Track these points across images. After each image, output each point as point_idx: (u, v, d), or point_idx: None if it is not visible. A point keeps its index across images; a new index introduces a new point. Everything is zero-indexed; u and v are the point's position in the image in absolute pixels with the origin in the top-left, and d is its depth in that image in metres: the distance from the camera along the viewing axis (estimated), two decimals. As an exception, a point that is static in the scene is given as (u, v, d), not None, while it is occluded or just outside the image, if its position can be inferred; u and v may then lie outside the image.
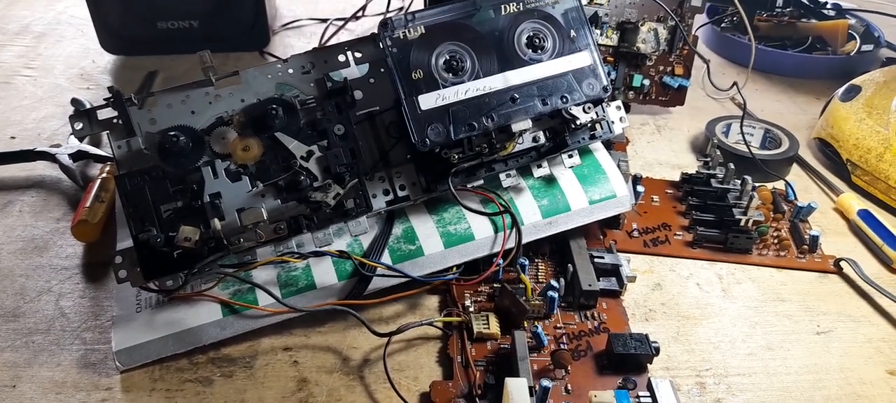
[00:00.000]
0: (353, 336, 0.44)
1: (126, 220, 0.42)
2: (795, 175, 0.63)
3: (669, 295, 0.48)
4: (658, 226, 0.54)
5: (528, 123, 0.45)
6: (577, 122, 0.46)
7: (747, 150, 0.60)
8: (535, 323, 0.45)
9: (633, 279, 0.47)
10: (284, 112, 0.44)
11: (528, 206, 0.48)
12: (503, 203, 0.47)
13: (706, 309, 0.47)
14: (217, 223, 0.42)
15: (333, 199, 0.43)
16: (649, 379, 0.39)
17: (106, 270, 0.49)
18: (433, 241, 0.46)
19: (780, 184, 0.60)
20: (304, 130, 0.45)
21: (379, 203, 0.46)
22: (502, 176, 0.47)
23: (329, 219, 0.45)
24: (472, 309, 0.45)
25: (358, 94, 0.46)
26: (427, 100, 0.44)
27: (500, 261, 0.46)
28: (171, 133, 0.43)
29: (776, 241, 0.52)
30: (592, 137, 0.48)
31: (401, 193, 0.46)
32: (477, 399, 0.39)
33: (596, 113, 0.47)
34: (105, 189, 0.54)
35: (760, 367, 0.43)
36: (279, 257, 0.44)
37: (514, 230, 0.47)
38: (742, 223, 0.50)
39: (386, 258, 0.45)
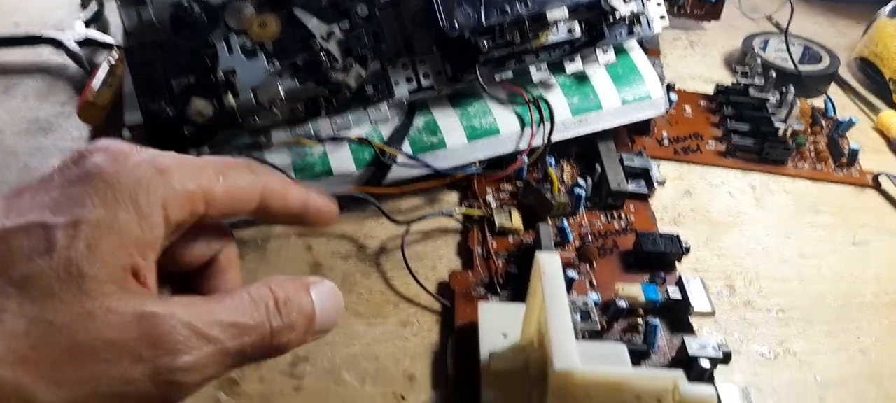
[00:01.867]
0: (370, 226, 0.42)
1: (135, 94, 0.40)
2: (835, 94, 0.60)
3: (700, 202, 0.46)
4: (689, 135, 0.51)
5: (564, 12, 0.42)
6: (617, 15, 0.43)
7: (790, 63, 0.57)
8: (560, 219, 0.43)
9: (662, 183, 0.45)
10: (304, -14, 0.42)
11: (557, 103, 0.45)
12: (532, 97, 0.45)
13: (738, 217, 0.45)
14: (231, 99, 0.40)
15: (355, 81, 0.41)
16: (679, 276, 0.38)
17: (115, 156, 0.47)
18: (456, 134, 0.44)
19: (818, 102, 0.57)
20: (325, 9, 0.42)
21: (401, 91, 0.44)
22: (532, 69, 0.44)
23: (348, 104, 0.42)
24: (493, 205, 0.44)
25: (381, -24, 0.43)
26: (456, -21, 0.41)
27: (526, 158, 0.44)
28: (185, 3, 0.40)
29: (813, 154, 0.50)
30: (631, 33, 0.46)
31: (425, 82, 0.44)
32: (498, 289, 0.38)
33: (636, 5, 0.44)
34: (113, 74, 0.52)
35: (793, 273, 0.41)
36: (295, 139, 0.42)
37: (542, 126, 0.45)
38: (780, 131, 0.48)
39: (406, 148, 0.43)
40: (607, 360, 0.31)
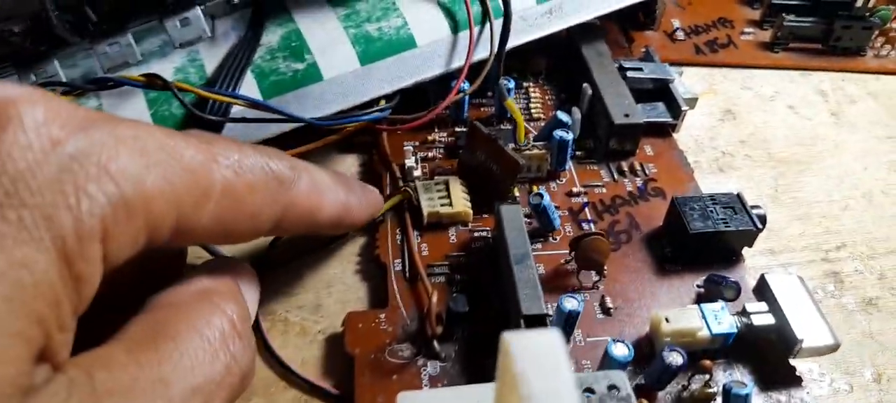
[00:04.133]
0: (197, 239, 0.23)
1: None
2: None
3: (750, 128, 0.29)
4: (714, 22, 0.33)
5: None
6: None
7: None
8: (534, 187, 0.25)
9: (693, 102, 0.28)
10: None
11: (509, -18, 0.26)
12: (465, -26, 0.25)
13: (814, 145, 0.28)
14: None
15: (114, -36, 0.21)
16: (762, 276, 0.21)
17: None
18: (340, 54, 0.25)
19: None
20: None
21: (227, -18, 0.24)
22: (461, -79, 0.25)
23: (120, 14, 0.22)
24: (417, 174, 0.25)
25: None
26: None
27: (465, 84, 0.26)
28: None
29: (901, 34, 0.33)
30: None
31: (268, -41, 0.24)
32: (436, 347, 0.20)
33: None
34: None
35: (925, 236, 0.25)
36: (26, 95, 0.22)
37: (487, 23, 0.26)
38: (859, 2, 0.30)
39: (250, 87, 0.24)
40: None
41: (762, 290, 0.21)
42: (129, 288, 0.14)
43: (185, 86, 0.22)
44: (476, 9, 0.26)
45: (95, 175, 0.11)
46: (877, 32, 0.32)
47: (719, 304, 0.20)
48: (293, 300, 0.22)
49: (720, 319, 0.20)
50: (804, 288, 0.20)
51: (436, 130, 0.27)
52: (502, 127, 0.27)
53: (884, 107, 0.30)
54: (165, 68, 0.24)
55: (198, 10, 0.23)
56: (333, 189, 0.18)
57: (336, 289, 0.22)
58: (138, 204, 0.12)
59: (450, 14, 0.26)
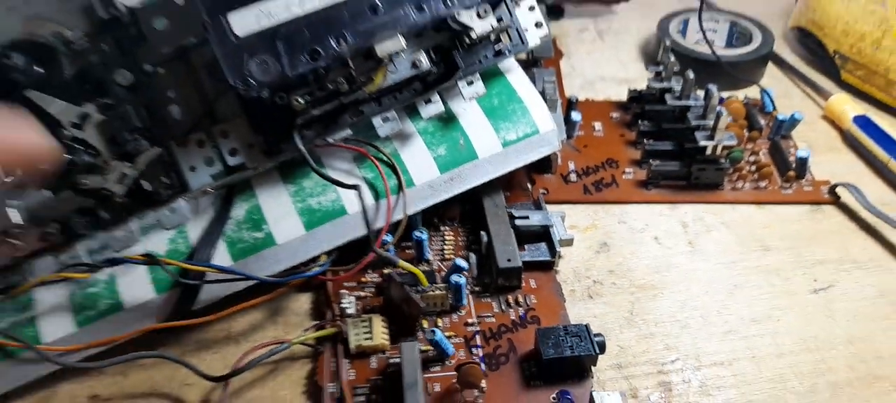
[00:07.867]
0: (184, 377, 0.31)
1: None
2: (772, 78, 0.51)
3: (619, 259, 0.36)
4: (602, 164, 0.41)
5: (399, 42, 0.31)
6: (472, 35, 0.32)
7: (709, 50, 0.47)
8: (438, 321, 0.32)
9: (569, 242, 0.35)
10: (36, 60, 0.30)
11: (419, 159, 0.35)
12: (382, 157, 0.34)
13: (668, 273, 0.35)
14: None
15: (120, 184, 0.30)
16: (590, 395, 0.28)
17: None
18: (289, 224, 0.33)
19: (753, 92, 0.48)
20: (73, 84, 0.30)
21: (200, 178, 0.32)
22: (377, 120, 0.34)
23: (125, 210, 0.31)
24: (351, 312, 0.33)
25: (161, 23, 0.31)
26: (243, 20, 0.30)
27: (388, 236, 0.34)
28: None
29: (754, 170, 0.40)
30: (498, 54, 0.35)
31: (232, 161, 0.33)
32: (347, 456, 0.27)
33: (497, 18, 0.33)
34: None
35: (743, 350, 0.32)
36: (59, 275, 0.30)
37: (401, 195, 0.34)
38: (708, 150, 0.38)
39: (221, 254, 0.32)
40: None
41: (592, 403, 0.28)
42: None
43: (171, 261, 0.30)
44: (393, 182, 0.34)
45: None
46: (730, 170, 0.40)
47: (558, 418, 0.27)
48: (250, 419, 0.29)
49: (555, 430, 0.27)
50: (621, 400, 0.27)
51: (369, 272, 0.35)
52: (421, 266, 0.35)
53: (735, 235, 0.37)
54: (161, 240, 0.32)
55: (183, 203, 0.31)
56: None
57: (283, 409, 0.30)
58: None
59: (373, 187, 0.34)
